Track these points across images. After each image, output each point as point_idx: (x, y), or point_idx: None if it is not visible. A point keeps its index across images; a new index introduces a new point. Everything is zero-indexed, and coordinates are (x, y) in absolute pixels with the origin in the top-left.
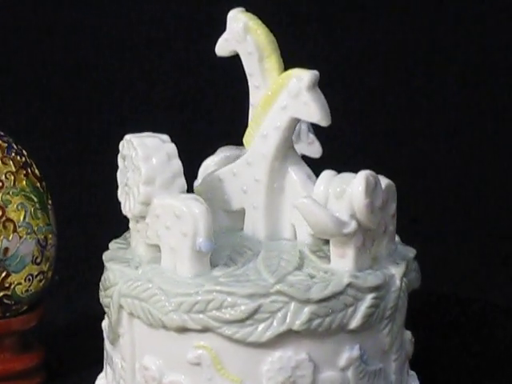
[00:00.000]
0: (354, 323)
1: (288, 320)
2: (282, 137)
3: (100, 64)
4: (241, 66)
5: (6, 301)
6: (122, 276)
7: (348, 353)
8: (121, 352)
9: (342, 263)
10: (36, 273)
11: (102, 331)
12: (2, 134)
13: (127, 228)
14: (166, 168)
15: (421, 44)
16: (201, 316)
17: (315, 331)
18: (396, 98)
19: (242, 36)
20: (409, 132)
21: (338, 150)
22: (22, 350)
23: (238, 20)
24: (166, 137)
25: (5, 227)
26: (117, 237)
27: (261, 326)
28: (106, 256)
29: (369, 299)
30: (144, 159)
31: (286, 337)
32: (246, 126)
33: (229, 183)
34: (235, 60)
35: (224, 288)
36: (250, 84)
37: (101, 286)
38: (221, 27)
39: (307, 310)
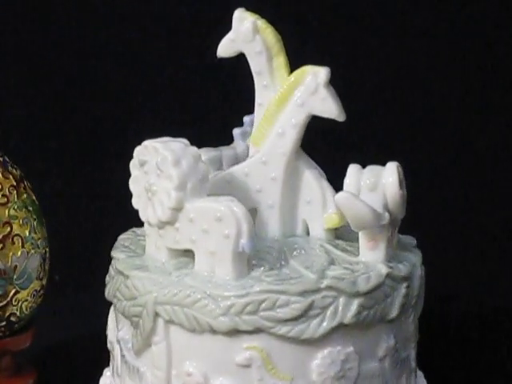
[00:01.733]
0: (393, 313)
1: (339, 314)
2: (298, 134)
3: (90, 68)
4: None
5: (12, 318)
6: (155, 283)
7: (386, 342)
8: (153, 361)
9: (372, 255)
10: (39, 288)
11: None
12: None
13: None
14: (195, 172)
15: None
16: (253, 317)
17: (361, 323)
18: (394, 96)
19: (251, 36)
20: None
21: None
22: (16, 371)
23: (245, 20)
24: (185, 140)
25: (13, 243)
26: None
27: (313, 323)
28: (122, 265)
29: (403, 288)
30: (174, 164)
31: (335, 331)
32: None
33: (240, 184)
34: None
35: (275, 287)
36: (257, 83)
37: (120, 297)
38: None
39: (356, 303)
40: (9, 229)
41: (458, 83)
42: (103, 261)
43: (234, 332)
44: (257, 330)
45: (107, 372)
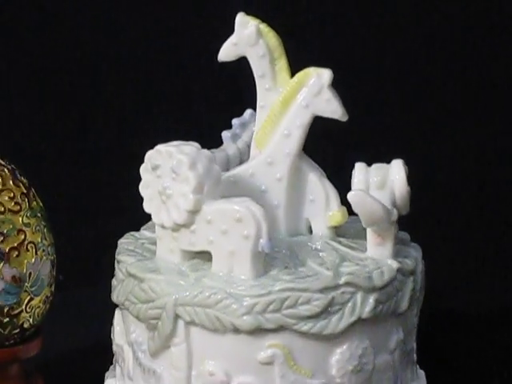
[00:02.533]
0: (403, 306)
1: (358, 309)
2: (303, 135)
3: (92, 72)
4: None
5: (25, 326)
6: (174, 285)
7: (396, 335)
8: (172, 362)
9: (380, 250)
10: (49, 294)
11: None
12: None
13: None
14: (210, 174)
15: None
16: (276, 315)
17: (376, 318)
18: (388, 98)
19: (254, 39)
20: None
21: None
22: (24, 378)
23: (248, 24)
24: (196, 144)
25: (27, 250)
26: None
27: (334, 318)
28: (134, 269)
29: (410, 283)
30: (190, 167)
31: (353, 326)
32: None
33: (245, 184)
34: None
35: (296, 285)
36: (259, 86)
37: (134, 300)
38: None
39: (373, 298)
40: (23, 236)
41: (454, 82)
42: (102, 264)
43: (258, 330)
44: (280, 328)
45: (108, 376)
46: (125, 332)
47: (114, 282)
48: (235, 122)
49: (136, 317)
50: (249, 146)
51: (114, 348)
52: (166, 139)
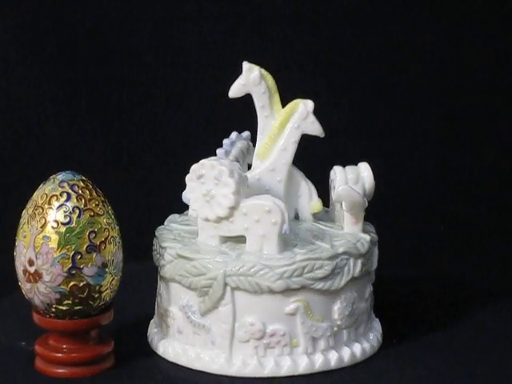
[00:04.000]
0: (373, 267)
1: (351, 271)
2: (295, 149)
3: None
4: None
5: (107, 299)
6: (221, 262)
7: (369, 288)
8: (219, 317)
9: (354, 228)
10: (121, 274)
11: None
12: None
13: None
14: (243, 179)
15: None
16: (299, 278)
17: (360, 276)
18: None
19: (258, 81)
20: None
21: None
22: (99, 340)
23: (253, 70)
24: (227, 158)
25: (110, 243)
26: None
27: (337, 278)
28: (184, 251)
29: (376, 250)
30: (230, 175)
31: (348, 283)
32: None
33: (254, 186)
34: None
35: (311, 256)
36: (260, 115)
37: (186, 274)
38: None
39: (360, 262)
40: (107, 233)
41: (400, 98)
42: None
43: (286, 290)
44: (301, 288)
45: (152, 333)
46: (172, 299)
47: (161, 262)
48: (226, 141)
49: (188, 287)
50: (237, 159)
51: (161, 311)
52: (185, 157)
